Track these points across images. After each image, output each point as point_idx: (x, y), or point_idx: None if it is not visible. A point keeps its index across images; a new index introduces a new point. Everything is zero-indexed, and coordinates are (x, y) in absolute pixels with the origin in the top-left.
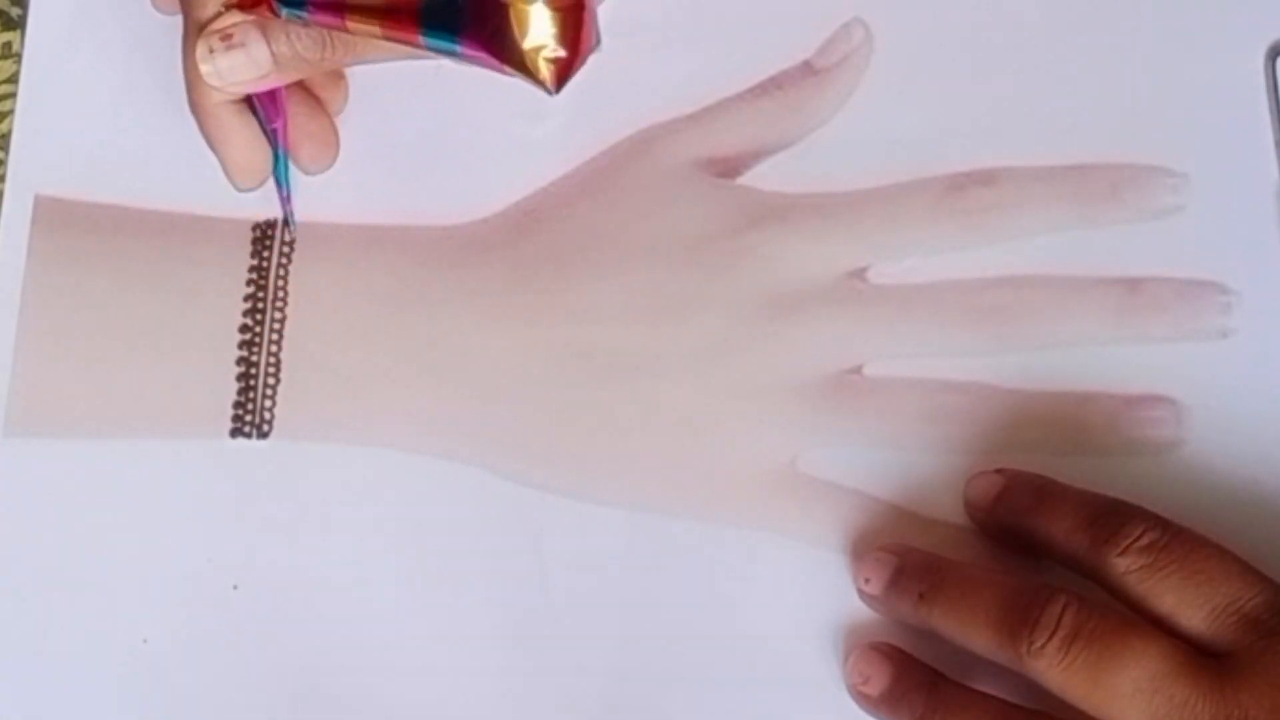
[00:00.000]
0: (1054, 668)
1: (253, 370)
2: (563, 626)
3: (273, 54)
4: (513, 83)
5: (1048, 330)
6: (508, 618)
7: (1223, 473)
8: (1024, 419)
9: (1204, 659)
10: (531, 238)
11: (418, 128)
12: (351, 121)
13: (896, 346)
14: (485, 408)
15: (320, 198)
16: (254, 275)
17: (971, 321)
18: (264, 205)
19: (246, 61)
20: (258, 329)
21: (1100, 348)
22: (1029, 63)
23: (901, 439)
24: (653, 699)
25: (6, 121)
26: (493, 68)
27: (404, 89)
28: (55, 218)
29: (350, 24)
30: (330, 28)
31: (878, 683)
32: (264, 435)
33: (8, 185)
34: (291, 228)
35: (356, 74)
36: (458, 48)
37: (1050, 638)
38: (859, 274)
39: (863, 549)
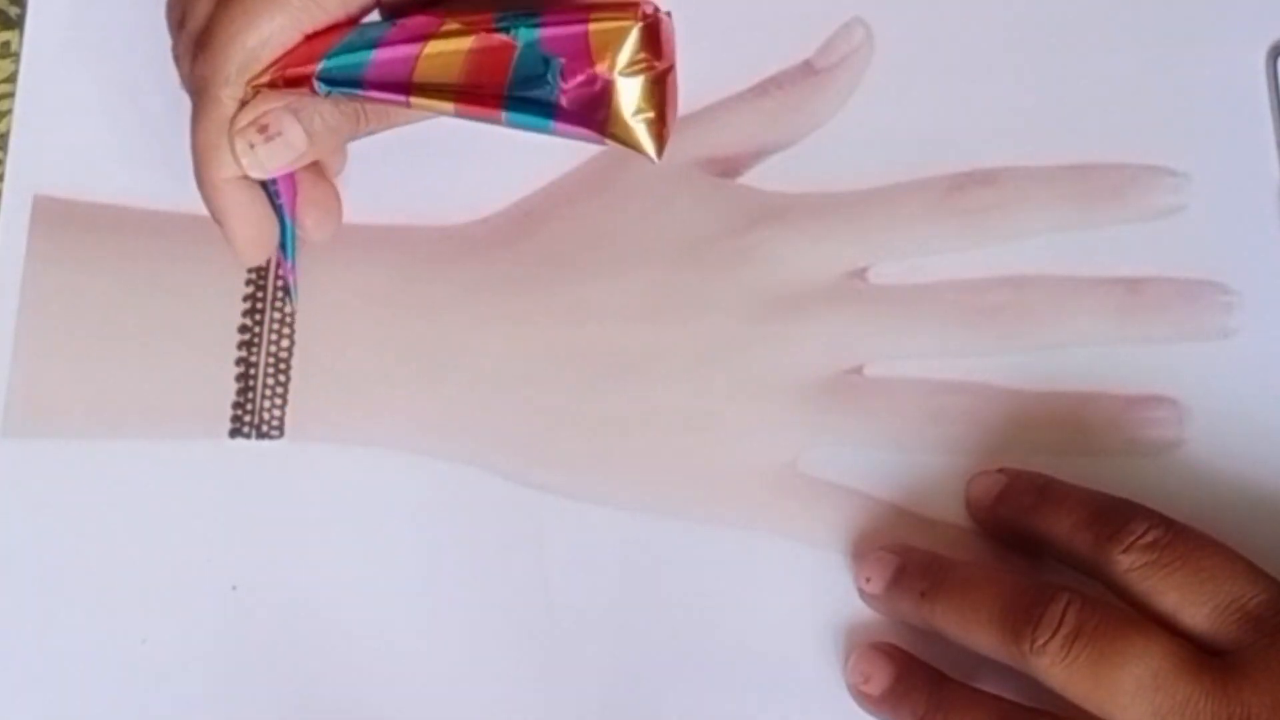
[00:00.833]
0: (1056, 666)
1: (252, 370)
2: (563, 626)
3: (308, 134)
4: None
5: (1048, 330)
6: (508, 618)
7: (1223, 473)
8: (1024, 419)
9: (1206, 657)
10: (531, 238)
11: (418, 128)
12: None
13: (897, 346)
14: (485, 408)
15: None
16: (254, 275)
17: (971, 321)
18: None
19: (284, 148)
20: (257, 329)
21: (1101, 348)
22: (1029, 63)
23: (902, 439)
24: (653, 699)
25: (5, 121)
26: (587, 139)
27: None
28: (54, 218)
29: (415, 102)
30: (386, 104)
31: (879, 682)
32: (263, 435)
33: (7, 185)
34: (293, 299)
35: None
36: (550, 124)
37: (1053, 636)
38: (859, 274)
39: (863, 549)
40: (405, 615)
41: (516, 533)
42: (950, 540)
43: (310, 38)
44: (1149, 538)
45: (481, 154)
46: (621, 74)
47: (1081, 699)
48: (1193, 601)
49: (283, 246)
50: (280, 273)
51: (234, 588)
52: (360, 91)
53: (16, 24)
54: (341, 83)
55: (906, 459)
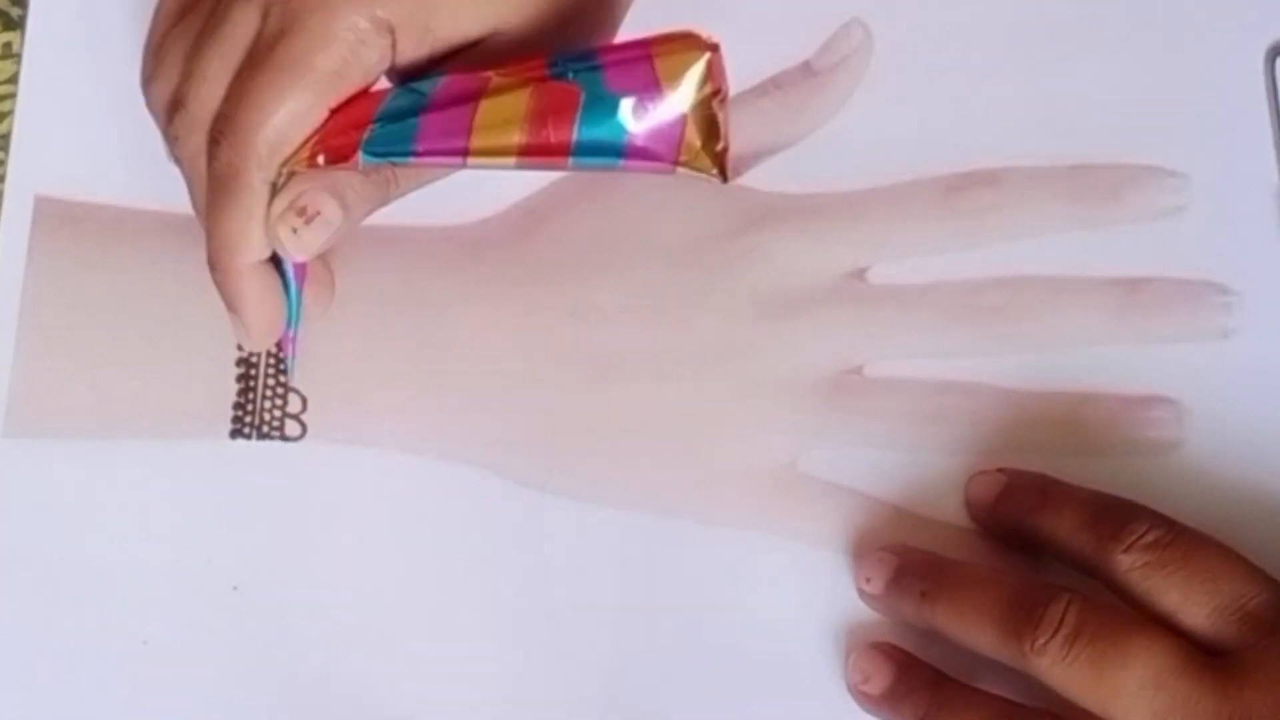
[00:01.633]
0: (1057, 666)
1: (252, 371)
2: (563, 627)
3: (343, 209)
4: None
5: (1048, 330)
6: (508, 618)
7: (1223, 473)
8: (1024, 419)
9: (1207, 657)
10: (531, 238)
11: None
12: None
13: (896, 346)
14: (485, 408)
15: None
16: None
17: (971, 321)
18: None
19: (324, 227)
20: None
21: (1100, 348)
22: (1029, 63)
23: (901, 439)
24: (653, 699)
25: (6, 122)
26: (656, 171)
27: None
28: (55, 218)
29: (473, 160)
30: (440, 166)
31: (879, 682)
32: (264, 436)
33: (8, 185)
34: (290, 373)
35: None
36: (619, 163)
37: (1053, 636)
38: (859, 274)
39: (863, 549)
40: (405, 615)
41: (516, 533)
42: (950, 540)
43: (334, 110)
44: (1150, 538)
45: None
46: (694, 107)
47: (1082, 699)
48: (1193, 601)
49: (291, 325)
50: (280, 352)
51: (235, 588)
52: (412, 159)
53: (18, 25)
54: (390, 153)
55: (906, 459)
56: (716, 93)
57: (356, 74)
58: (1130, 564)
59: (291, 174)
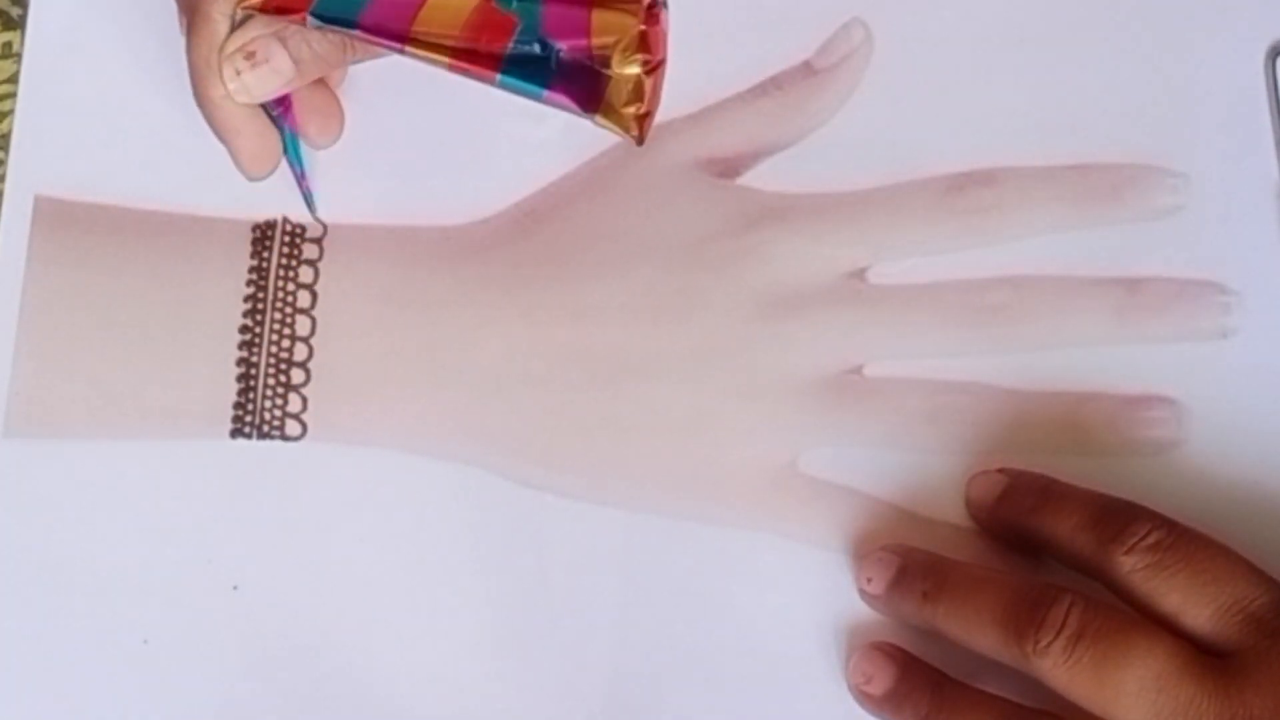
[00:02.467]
0: (1059, 667)
1: (253, 371)
2: (563, 626)
3: (294, 62)
4: None
5: (1048, 330)
6: (508, 618)
7: (1223, 473)
8: (1024, 419)
9: (1209, 659)
10: (531, 238)
11: (418, 128)
12: (352, 122)
13: (896, 346)
14: (485, 408)
15: (320, 198)
16: (254, 276)
17: (971, 321)
18: (265, 206)
19: (271, 75)
20: (258, 329)
21: (1100, 348)
22: (1029, 62)
23: (901, 439)
24: (652, 699)
25: (6, 121)
26: (573, 112)
27: (404, 89)
28: (55, 218)
29: (410, 50)
30: (379, 46)
31: (880, 682)
32: (264, 436)
33: (8, 185)
34: (313, 210)
35: (358, 76)
36: (542, 94)
37: (1055, 637)
38: (859, 274)
39: (863, 549)
40: (405, 615)
41: (516, 533)
42: (950, 540)
43: None
44: (1151, 539)
45: (482, 154)
46: (618, 66)
47: (1084, 700)
48: (1195, 603)
49: (291, 158)
50: (301, 188)
51: (235, 588)
52: (354, 32)
53: (18, 24)
54: (335, 20)
55: (906, 459)
56: (649, 60)
57: None
58: (1131, 565)
59: (248, 16)
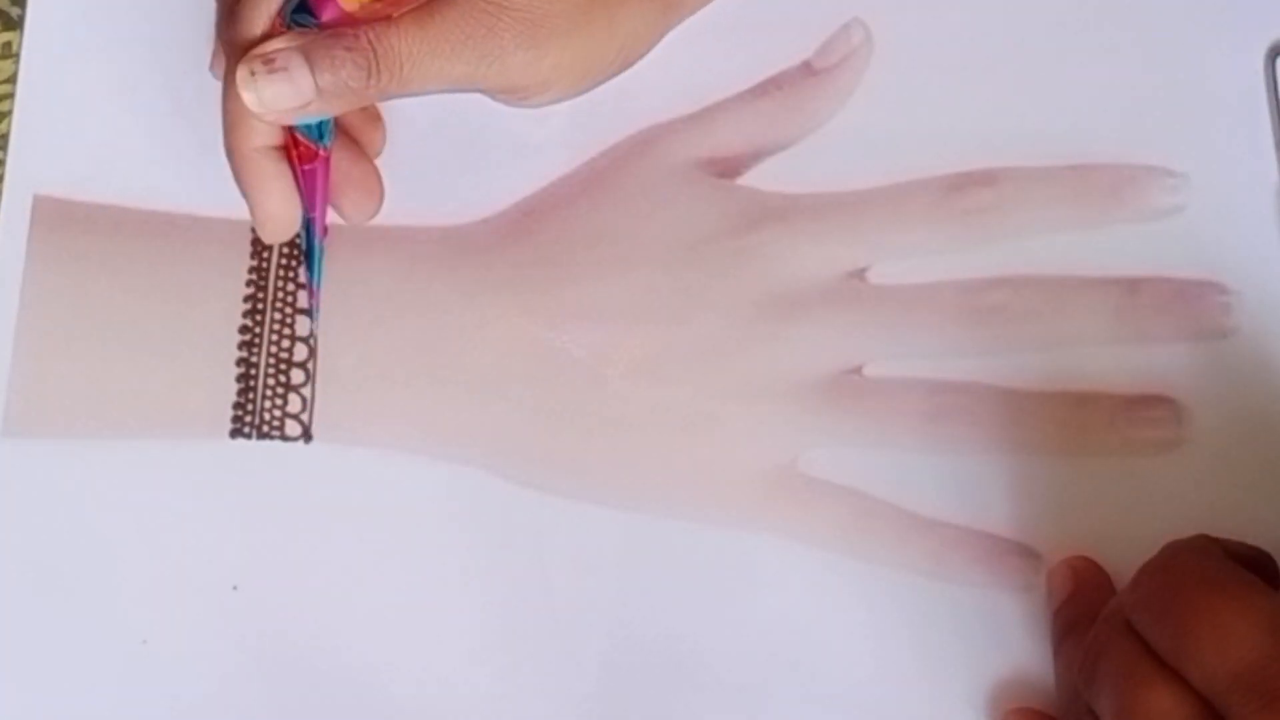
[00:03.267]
0: None
1: (253, 371)
2: (562, 627)
3: (316, 82)
4: None
5: (1047, 330)
6: (508, 618)
7: (1221, 472)
8: (1024, 419)
9: None
10: (531, 238)
11: (418, 128)
12: None
13: (896, 346)
14: (485, 408)
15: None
16: (254, 276)
17: (971, 321)
18: None
19: (289, 89)
20: (258, 329)
21: (1100, 348)
22: (1029, 62)
23: (901, 439)
24: (652, 699)
25: (6, 121)
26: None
27: None
28: (55, 218)
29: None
30: (337, 23)
31: None
32: (264, 436)
33: (7, 185)
34: (314, 320)
35: None
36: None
37: None
38: (859, 274)
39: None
40: (405, 615)
41: (516, 533)
42: (950, 540)
43: None
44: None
45: (481, 154)
46: None
47: None
48: None
49: (310, 269)
50: (303, 302)
51: (235, 588)
52: (312, 17)
53: (17, 24)
54: (296, 10)
55: (906, 459)
56: None
57: None
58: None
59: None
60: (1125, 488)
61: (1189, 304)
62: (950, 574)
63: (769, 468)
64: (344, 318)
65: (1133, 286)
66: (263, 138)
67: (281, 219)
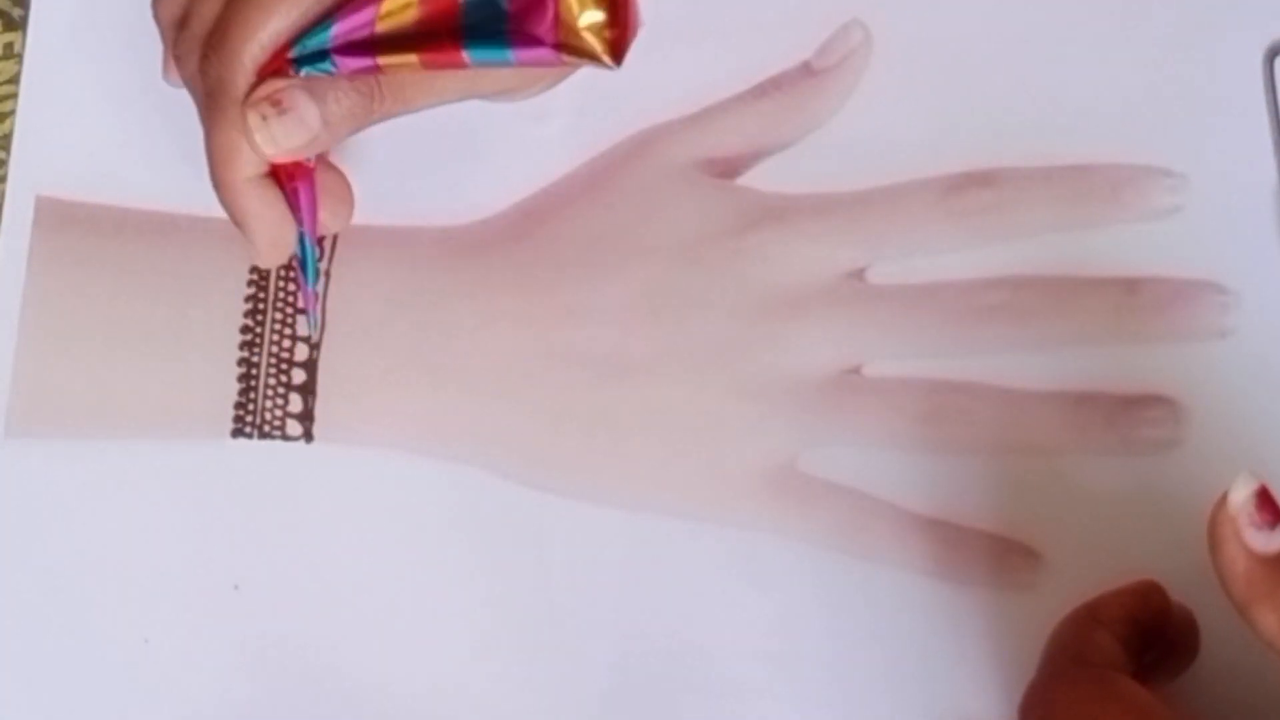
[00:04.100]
0: None
1: (253, 371)
2: (563, 627)
3: (324, 118)
4: None
5: (1047, 330)
6: (508, 618)
7: (1222, 473)
8: (1023, 419)
9: None
10: (531, 238)
11: (418, 128)
12: None
13: (896, 346)
14: (485, 408)
15: None
16: (255, 276)
17: (970, 321)
18: None
19: (299, 125)
20: (258, 329)
21: (1098, 347)
22: (1029, 63)
23: (901, 439)
24: (652, 699)
25: (8, 122)
26: (550, 62)
27: None
28: (56, 218)
29: (383, 62)
30: (363, 72)
31: None
32: (265, 436)
33: (9, 186)
34: (314, 332)
35: None
36: (510, 54)
37: None
38: (859, 274)
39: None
40: (405, 615)
41: (517, 533)
42: (949, 540)
43: None
44: None
45: (481, 154)
46: None
47: None
48: None
49: (309, 279)
50: (302, 304)
51: (236, 588)
52: (333, 65)
53: (19, 25)
54: (313, 59)
55: (906, 459)
56: None
57: None
58: None
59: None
60: (1124, 488)
61: (1188, 304)
62: (950, 574)
63: (769, 468)
64: (345, 317)
65: (1132, 286)
66: (254, 167)
67: (282, 242)
